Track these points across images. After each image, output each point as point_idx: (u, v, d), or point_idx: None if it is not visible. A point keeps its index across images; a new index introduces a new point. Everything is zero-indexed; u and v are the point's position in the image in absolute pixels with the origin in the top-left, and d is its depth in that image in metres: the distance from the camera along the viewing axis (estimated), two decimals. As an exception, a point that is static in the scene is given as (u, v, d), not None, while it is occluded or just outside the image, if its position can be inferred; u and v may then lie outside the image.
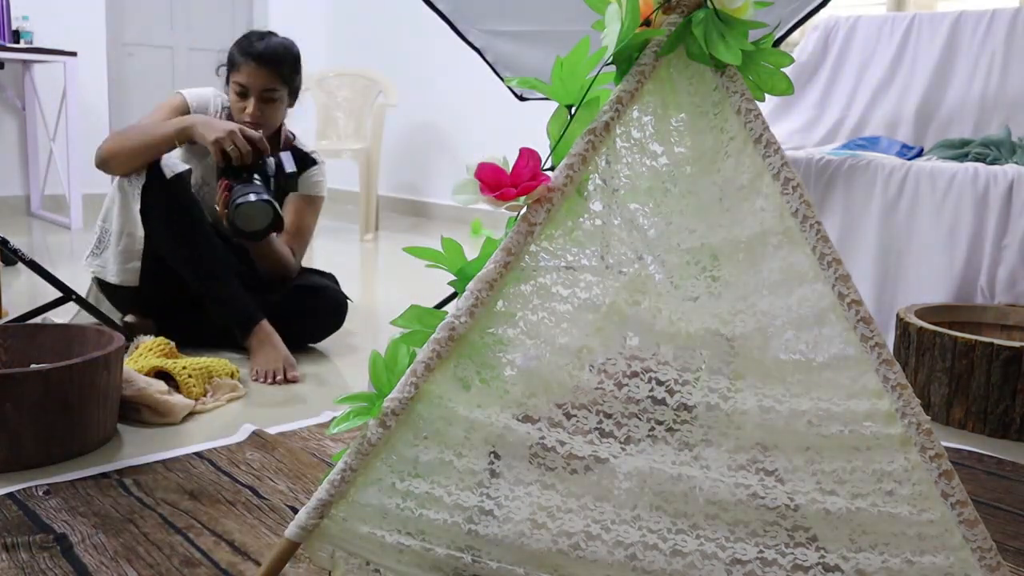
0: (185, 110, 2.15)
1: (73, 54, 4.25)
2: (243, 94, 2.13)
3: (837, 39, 2.94)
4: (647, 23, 0.95)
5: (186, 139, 2.01)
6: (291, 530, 0.94)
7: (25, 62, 4.45)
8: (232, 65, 2.16)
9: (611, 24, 0.94)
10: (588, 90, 0.96)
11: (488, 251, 0.95)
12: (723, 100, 0.94)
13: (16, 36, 4.27)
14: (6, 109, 4.60)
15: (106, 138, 2.07)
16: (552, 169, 0.95)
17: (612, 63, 0.96)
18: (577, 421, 0.92)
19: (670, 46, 0.94)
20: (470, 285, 0.92)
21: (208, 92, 2.23)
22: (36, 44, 4.33)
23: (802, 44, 3.02)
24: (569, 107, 0.98)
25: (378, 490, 0.94)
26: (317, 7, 5.62)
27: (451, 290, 1.04)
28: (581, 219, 0.95)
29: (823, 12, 2.52)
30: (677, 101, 0.96)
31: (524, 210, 0.93)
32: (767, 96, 0.96)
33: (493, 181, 0.92)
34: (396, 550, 0.94)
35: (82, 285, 2.22)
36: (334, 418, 0.95)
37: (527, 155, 0.92)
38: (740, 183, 0.93)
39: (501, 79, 2.48)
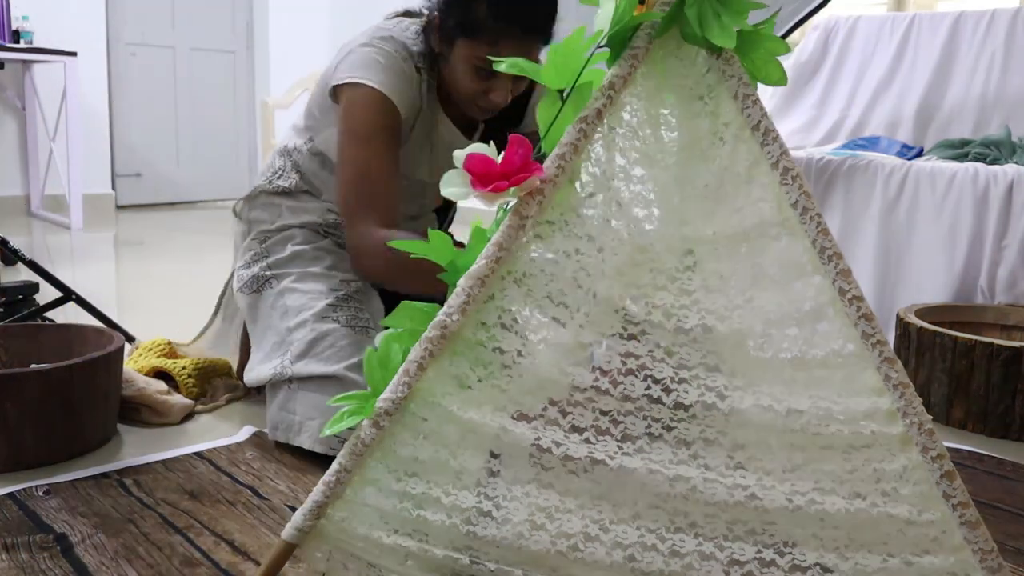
0: (399, 117, 1.54)
1: (73, 54, 4.25)
2: (491, 72, 1.48)
3: (837, 39, 2.93)
4: (642, 3, 0.91)
5: None
6: (287, 531, 0.94)
7: (25, 62, 4.45)
8: (473, 27, 1.46)
9: (605, 5, 0.91)
10: (580, 73, 0.92)
11: (478, 244, 0.93)
12: (718, 84, 0.91)
13: (16, 36, 4.27)
14: (6, 109, 4.60)
15: (376, 249, 1.48)
16: (543, 158, 0.91)
17: (606, 46, 0.92)
18: (573, 419, 0.91)
19: (664, 28, 0.91)
20: (461, 282, 0.90)
21: (402, 80, 1.55)
22: (36, 44, 4.33)
23: (802, 44, 3.01)
24: (561, 92, 0.94)
25: (375, 491, 0.93)
26: (317, 7, 5.62)
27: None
28: (574, 210, 0.92)
29: (823, 12, 2.52)
30: (671, 85, 0.93)
31: (515, 202, 0.90)
32: (766, 95, 0.95)
33: (483, 173, 0.88)
34: (394, 551, 0.93)
35: (81, 286, 2.22)
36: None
37: (517, 143, 0.88)
38: (737, 171, 0.91)
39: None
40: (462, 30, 1.48)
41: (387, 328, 0.97)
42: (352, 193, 1.52)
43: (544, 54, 1.49)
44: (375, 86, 1.51)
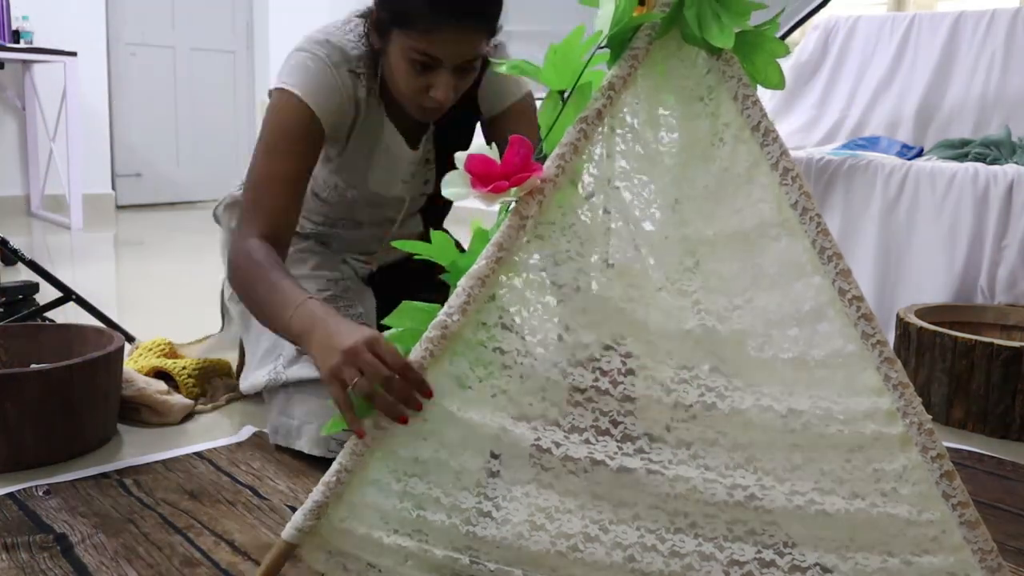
0: (317, 126, 1.41)
1: (73, 54, 4.25)
2: (428, 66, 1.32)
3: (837, 39, 2.93)
4: (642, 4, 0.92)
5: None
6: (287, 531, 0.94)
7: (25, 62, 4.45)
8: (407, 17, 1.29)
9: (605, 5, 0.91)
10: (581, 74, 0.92)
11: (479, 244, 0.93)
12: (718, 85, 0.91)
13: (16, 36, 4.27)
14: (6, 109, 4.60)
15: (236, 257, 1.33)
16: (544, 158, 0.92)
17: (606, 46, 0.92)
18: (573, 419, 0.91)
19: (664, 29, 0.91)
20: (461, 282, 0.91)
21: (327, 87, 1.41)
22: (36, 44, 4.33)
23: (802, 44, 3.01)
24: (561, 93, 0.94)
25: (376, 491, 0.93)
26: (317, 7, 5.62)
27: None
28: (574, 211, 0.92)
29: (823, 12, 2.52)
30: (671, 86, 0.93)
31: (515, 203, 0.90)
32: (766, 96, 0.95)
33: (484, 173, 0.88)
34: (394, 551, 0.93)
35: (81, 286, 2.22)
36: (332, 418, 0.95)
37: (518, 144, 0.88)
38: (736, 172, 0.91)
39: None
40: (396, 21, 1.32)
41: (388, 327, 0.97)
42: (246, 199, 1.39)
43: (492, 47, 1.37)
44: (295, 91, 1.39)
